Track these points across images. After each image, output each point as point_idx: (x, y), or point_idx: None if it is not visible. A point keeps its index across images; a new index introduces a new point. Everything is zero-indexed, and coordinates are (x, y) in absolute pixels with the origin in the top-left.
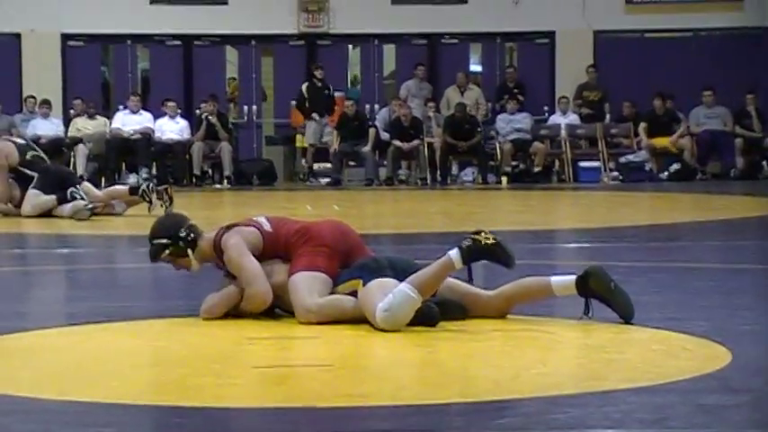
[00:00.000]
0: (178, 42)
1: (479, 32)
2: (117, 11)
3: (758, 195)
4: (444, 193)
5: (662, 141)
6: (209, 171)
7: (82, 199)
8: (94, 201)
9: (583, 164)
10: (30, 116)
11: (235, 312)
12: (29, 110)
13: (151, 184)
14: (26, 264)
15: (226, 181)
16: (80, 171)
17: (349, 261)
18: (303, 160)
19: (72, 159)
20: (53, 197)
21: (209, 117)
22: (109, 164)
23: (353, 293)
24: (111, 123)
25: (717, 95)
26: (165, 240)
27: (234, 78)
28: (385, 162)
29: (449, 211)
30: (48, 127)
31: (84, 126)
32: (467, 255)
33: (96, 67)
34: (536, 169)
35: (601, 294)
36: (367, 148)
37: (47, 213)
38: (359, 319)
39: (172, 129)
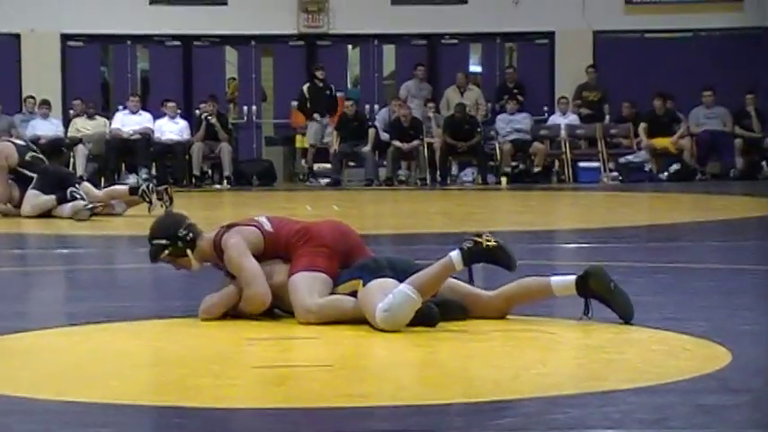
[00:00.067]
0: (178, 43)
1: (479, 33)
2: (117, 11)
3: (758, 195)
4: (444, 194)
5: (662, 142)
6: (209, 171)
7: (82, 199)
8: (94, 201)
9: (582, 164)
10: (29, 116)
11: (234, 312)
12: (28, 110)
13: (151, 185)
14: (26, 264)
15: (225, 181)
16: (80, 171)
17: (349, 261)
18: (303, 161)
19: (71, 160)
20: (53, 197)
21: (209, 117)
22: (108, 164)
23: (353, 294)
24: (110, 124)
25: (716, 96)
26: (164, 241)
27: (233, 79)
28: (385, 162)
29: (448, 212)
30: (47, 127)
31: (83, 126)
32: (468, 256)
33: (96, 68)
34: (536, 170)
35: (600, 295)
36: (367, 149)
37: (46, 214)
38: (359, 319)
39: (171, 129)
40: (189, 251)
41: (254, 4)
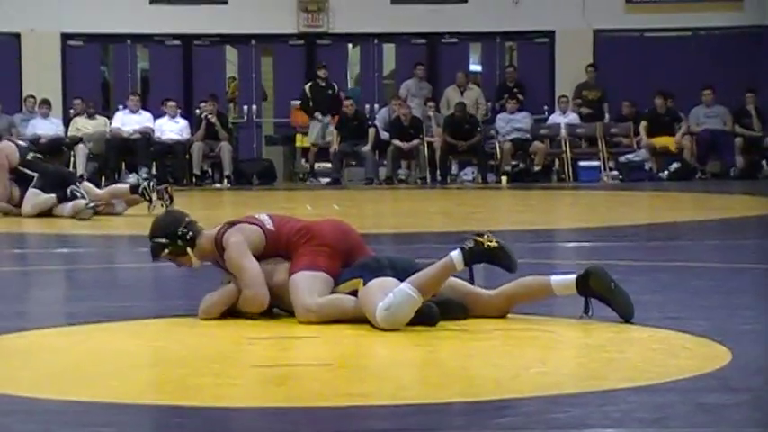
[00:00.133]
0: (178, 42)
1: (479, 32)
2: (117, 11)
3: (758, 195)
4: (444, 193)
5: (663, 140)
6: (209, 171)
7: (82, 197)
8: (95, 200)
9: (582, 163)
10: (29, 116)
11: (233, 310)
12: (28, 110)
13: (152, 183)
14: (26, 264)
15: (225, 181)
16: (80, 171)
17: (350, 260)
18: (303, 160)
19: (72, 159)
20: (53, 196)
21: (209, 117)
22: (109, 163)
23: (354, 293)
24: (110, 123)
25: (716, 95)
26: (163, 240)
27: (234, 78)
28: (385, 162)
29: (448, 211)
30: (47, 127)
31: (83, 126)
32: (468, 256)
33: (96, 67)
34: (536, 169)
35: (601, 294)
36: (367, 148)
37: (47, 213)
38: (359, 318)
39: (171, 128)
40: (189, 249)
41: (254, 4)
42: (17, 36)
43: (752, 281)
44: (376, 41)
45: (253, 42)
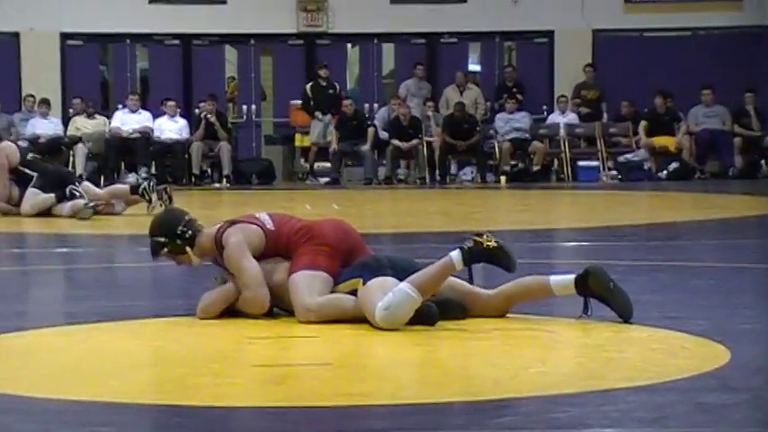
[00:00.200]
0: (177, 42)
1: (478, 32)
2: (116, 10)
3: (757, 194)
4: (443, 193)
5: (663, 140)
6: (209, 170)
7: (81, 197)
8: (95, 199)
9: (581, 163)
10: (29, 115)
11: (232, 309)
12: (28, 109)
13: (152, 184)
14: (25, 263)
15: (225, 180)
16: (79, 170)
17: (350, 260)
18: (302, 160)
19: (71, 158)
20: (52, 195)
21: (209, 116)
22: (108, 163)
23: (354, 292)
24: (110, 122)
25: (716, 94)
26: (162, 239)
27: (233, 78)
28: (384, 161)
29: (448, 211)
30: (47, 126)
31: (83, 125)
32: (468, 256)
33: (95, 67)
34: (535, 168)
35: (600, 294)
36: (366, 148)
37: (46, 213)
38: (359, 318)
39: (171, 128)
40: (188, 248)
41: (254, 4)
42: (16, 35)
43: (751, 280)
44: (375, 41)
45: (252, 42)
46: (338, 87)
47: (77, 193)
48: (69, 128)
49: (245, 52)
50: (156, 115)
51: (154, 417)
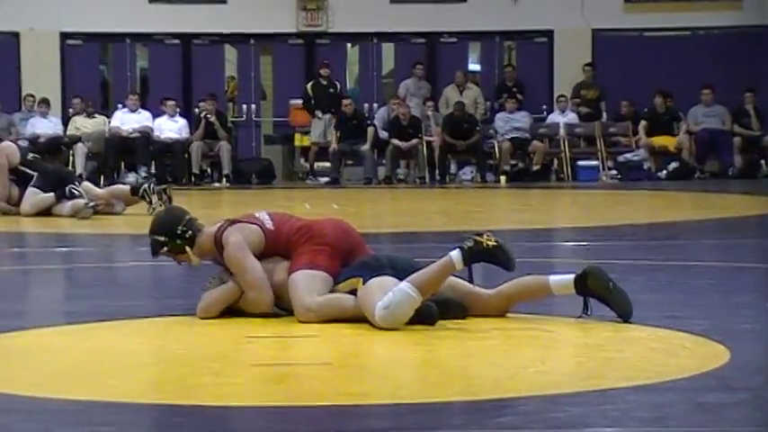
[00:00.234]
0: (177, 41)
1: (478, 31)
2: (116, 9)
3: (756, 194)
4: (443, 192)
5: (662, 140)
6: (208, 170)
7: (81, 196)
8: (95, 199)
9: (581, 162)
10: (28, 115)
11: (232, 308)
12: (27, 108)
13: (152, 185)
14: (25, 263)
15: (224, 180)
16: (79, 170)
17: (350, 260)
18: (302, 159)
19: (71, 158)
20: (51, 195)
21: (208, 116)
22: (108, 162)
23: (353, 292)
24: (109, 122)
25: (715, 94)
26: (162, 238)
27: (233, 77)
28: (384, 161)
29: (447, 210)
30: (46, 126)
31: (83, 125)
32: (468, 256)
33: (95, 66)
34: (534, 168)
35: (599, 294)
36: (366, 147)
37: (46, 212)
38: (359, 317)
39: (171, 128)
40: (188, 248)
41: (254, 3)
42: (16, 35)
43: (751, 280)
44: (375, 41)
45: (252, 41)
46: (339, 86)
47: (77, 193)
48: (69, 127)
49: (245, 52)
50: (155, 115)
51: (154, 416)
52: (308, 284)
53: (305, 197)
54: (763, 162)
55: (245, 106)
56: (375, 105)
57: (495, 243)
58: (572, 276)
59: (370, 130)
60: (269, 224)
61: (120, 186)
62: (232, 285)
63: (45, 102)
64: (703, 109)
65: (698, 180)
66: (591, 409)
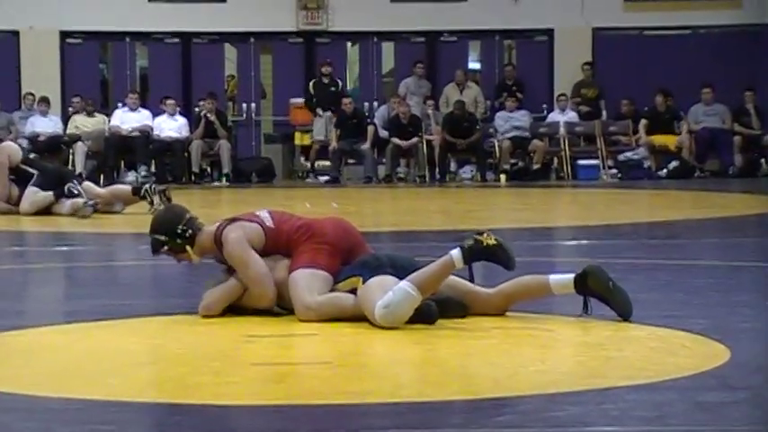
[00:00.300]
0: (177, 40)
1: (478, 30)
2: (116, 8)
3: (756, 193)
4: (443, 191)
5: (663, 139)
6: (208, 169)
7: (79, 195)
8: (96, 197)
9: (581, 161)
10: (28, 113)
11: (233, 306)
12: (27, 107)
13: (154, 186)
14: (25, 261)
15: (224, 179)
16: (79, 169)
17: (351, 258)
18: (302, 158)
19: (71, 157)
20: (50, 193)
21: (208, 115)
22: (108, 161)
23: (353, 291)
24: (109, 121)
25: (715, 93)
26: (162, 237)
27: (233, 76)
28: (384, 160)
29: (447, 209)
30: (46, 124)
31: (82, 124)
32: (468, 254)
33: (95, 65)
34: (535, 167)
35: (599, 293)
36: (366, 146)
37: (46, 211)
38: (358, 316)
39: (171, 126)
40: (188, 247)
41: (253, 2)
42: (16, 34)
43: (751, 279)
44: (375, 39)
45: (252, 40)
46: (340, 84)
47: (75, 191)
48: (69, 126)
49: (245, 50)
50: (155, 113)
51: (154, 415)
52: (308, 283)
53: (305, 196)
54: (763, 161)
55: (244, 105)
56: (375, 104)
57: (495, 242)
58: (572, 276)
59: (371, 128)
60: (269, 222)
61: (121, 186)
62: (234, 282)
63: (45, 100)
64: (703, 108)
65: (698, 179)
66: (590, 408)
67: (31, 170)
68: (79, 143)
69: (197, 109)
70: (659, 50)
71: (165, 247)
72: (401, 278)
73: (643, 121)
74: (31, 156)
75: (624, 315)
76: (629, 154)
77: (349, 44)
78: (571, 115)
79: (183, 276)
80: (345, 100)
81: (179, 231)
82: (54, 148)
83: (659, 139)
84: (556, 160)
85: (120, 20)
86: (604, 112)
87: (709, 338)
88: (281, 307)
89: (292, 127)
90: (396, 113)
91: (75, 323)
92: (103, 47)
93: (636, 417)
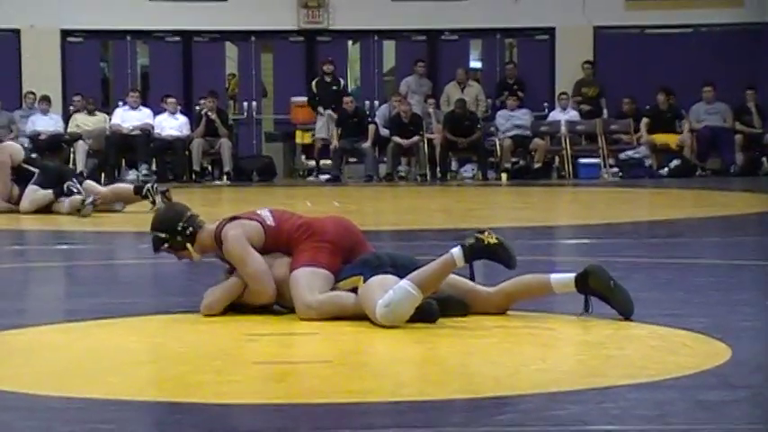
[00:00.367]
0: (178, 38)
1: (479, 28)
2: (116, 7)
3: (758, 192)
4: (444, 190)
5: (664, 137)
6: (209, 167)
7: (78, 193)
8: (96, 195)
9: (582, 160)
10: (29, 112)
11: (234, 304)
12: (28, 106)
13: (156, 185)
14: (26, 260)
15: (225, 177)
16: (80, 167)
17: (351, 257)
18: (303, 156)
19: (72, 155)
20: (50, 192)
21: (209, 113)
22: (108, 160)
23: (354, 290)
24: (110, 119)
25: (717, 91)
26: (163, 235)
27: (233, 74)
28: (385, 158)
29: (448, 208)
30: (47, 123)
31: (83, 122)
32: (469, 253)
33: (96, 64)
34: (536, 166)
35: (600, 293)
36: (367, 145)
37: (46, 209)
38: (359, 315)
39: (171, 125)
40: (189, 245)
41: (254, 0)
42: (17, 32)
43: (752, 278)
44: (376, 38)
45: (253, 39)
46: (342, 83)
47: (75, 190)
48: (70, 125)
49: (246, 49)
50: (156, 112)
51: (154, 414)
52: (309, 282)
53: (306, 195)
54: (764, 159)
55: (245, 104)
56: (376, 103)
57: (496, 240)
58: (573, 275)
59: (371, 127)
60: (270, 221)
61: (123, 186)
62: (235, 280)
63: (46, 99)
64: (705, 106)
65: (699, 178)
66: (591, 407)
67: (32, 169)
68: (80, 142)
69: (198, 107)
70: (660, 49)
71: (166, 245)
72: (402, 277)
73: (644, 120)
74: (32, 155)
75: (625, 314)
76: (630, 153)
77: (350, 43)
78: (572, 114)
79: (183, 275)
80: (346, 99)
81: (180, 229)
82: (55, 146)
83: (660, 138)
84: (557, 159)
85: (120, 18)
86: (605, 111)
87: (709, 337)
88: (282, 305)
89: (293, 125)
90: (397, 112)
91: (75, 322)
92: (104, 45)
93: (637, 415)
